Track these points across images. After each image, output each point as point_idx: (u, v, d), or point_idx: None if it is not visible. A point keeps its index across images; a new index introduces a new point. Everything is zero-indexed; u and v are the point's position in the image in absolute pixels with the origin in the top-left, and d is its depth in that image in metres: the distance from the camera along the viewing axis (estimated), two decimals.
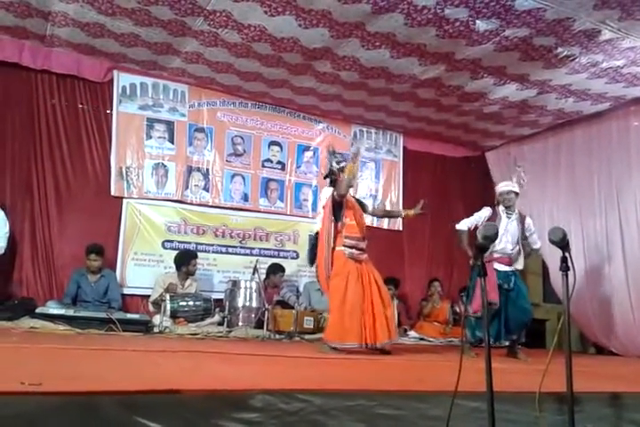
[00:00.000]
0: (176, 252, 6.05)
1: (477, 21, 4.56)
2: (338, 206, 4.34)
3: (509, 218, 4.83)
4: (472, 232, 4.54)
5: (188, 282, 5.84)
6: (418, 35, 4.84)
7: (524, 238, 4.82)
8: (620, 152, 6.16)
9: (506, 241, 4.73)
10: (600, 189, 6.32)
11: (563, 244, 1.84)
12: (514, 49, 5.01)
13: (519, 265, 4.82)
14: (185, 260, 5.84)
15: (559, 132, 6.92)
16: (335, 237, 4.31)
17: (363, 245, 4.37)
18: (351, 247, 4.29)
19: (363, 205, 4.63)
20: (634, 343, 5.79)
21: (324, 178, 4.71)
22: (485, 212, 4.88)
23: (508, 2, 4.24)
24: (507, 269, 4.73)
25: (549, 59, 5.14)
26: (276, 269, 6.30)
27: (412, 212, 4.76)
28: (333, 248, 4.28)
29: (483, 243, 1.79)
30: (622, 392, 2.34)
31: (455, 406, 1.83)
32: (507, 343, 4.88)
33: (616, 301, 5.95)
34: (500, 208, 4.88)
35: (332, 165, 4.48)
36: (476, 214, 4.90)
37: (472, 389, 1.89)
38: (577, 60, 5.12)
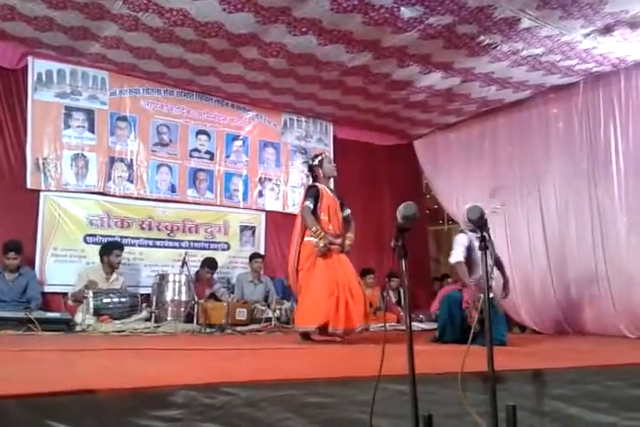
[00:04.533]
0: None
1: (402, 8, 4.59)
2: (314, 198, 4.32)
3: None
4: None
5: (114, 276, 5.64)
6: (344, 21, 4.83)
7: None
8: (539, 139, 6.41)
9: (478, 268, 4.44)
10: (522, 175, 6.55)
11: (481, 223, 1.85)
12: (438, 37, 5.08)
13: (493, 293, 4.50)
14: (107, 250, 5.65)
15: (483, 120, 7.12)
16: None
17: (337, 241, 4.32)
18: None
19: (343, 203, 4.56)
20: (555, 322, 6.06)
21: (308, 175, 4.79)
22: (462, 238, 4.57)
23: None
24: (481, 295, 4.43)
25: (472, 47, 5.26)
26: (204, 264, 6.17)
27: (347, 244, 4.43)
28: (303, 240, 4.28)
29: (402, 223, 1.77)
30: (543, 369, 2.41)
31: (382, 389, 1.82)
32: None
33: (538, 282, 6.20)
34: (470, 233, 4.56)
35: (309, 163, 4.58)
36: (457, 245, 4.55)
37: (398, 372, 1.89)
38: (498, 48, 5.26)
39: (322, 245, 4.13)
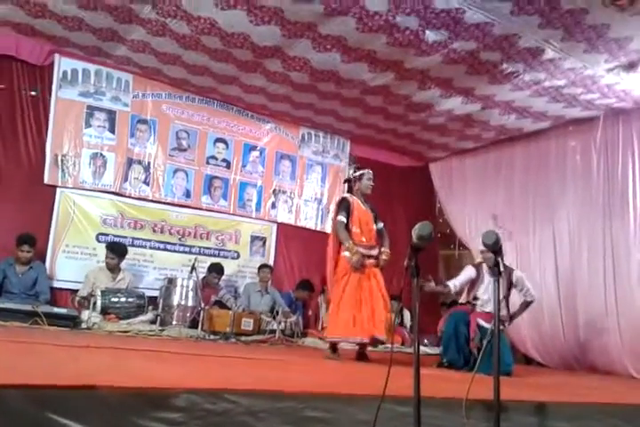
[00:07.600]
0: None
1: (427, 31, 4.62)
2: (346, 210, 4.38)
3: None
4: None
5: (120, 276, 5.66)
6: (369, 40, 4.87)
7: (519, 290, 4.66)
8: (556, 171, 6.38)
9: (488, 298, 4.52)
10: (536, 205, 6.52)
11: (495, 248, 1.84)
12: (461, 62, 5.11)
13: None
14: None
15: (500, 147, 7.11)
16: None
17: (373, 252, 4.34)
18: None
19: (376, 216, 4.57)
20: (561, 355, 5.99)
21: (344, 182, 4.86)
22: (468, 271, 4.71)
23: (458, 14, 4.33)
24: (488, 325, 4.38)
25: (494, 74, 5.28)
26: (211, 269, 6.17)
27: (383, 258, 4.41)
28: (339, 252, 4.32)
29: (418, 243, 1.77)
30: (547, 402, 2.39)
31: (384, 410, 1.81)
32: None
33: (547, 313, 6.12)
34: (484, 267, 4.67)
35: (350, 174, 4.62)
36: (461, 274, 4.76)
37: (402, 394, 1.88)
38: (521, 76, 5.28)
39: (354, 260, 4.15)
